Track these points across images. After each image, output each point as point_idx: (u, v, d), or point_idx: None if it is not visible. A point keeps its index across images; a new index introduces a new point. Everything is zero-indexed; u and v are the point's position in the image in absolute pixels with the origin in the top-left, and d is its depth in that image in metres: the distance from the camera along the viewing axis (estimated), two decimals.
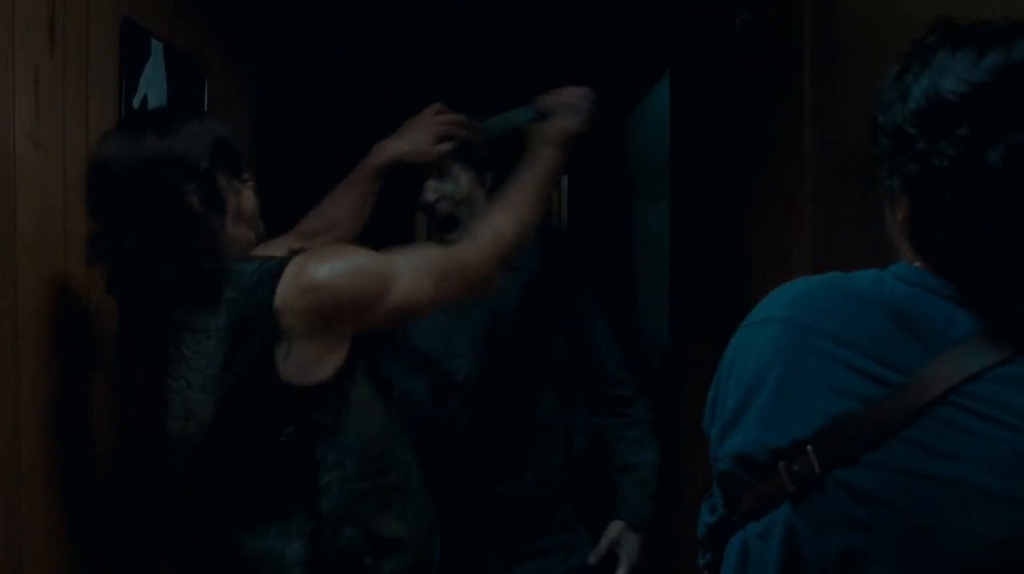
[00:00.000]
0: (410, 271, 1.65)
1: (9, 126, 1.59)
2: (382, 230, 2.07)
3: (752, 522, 0.99)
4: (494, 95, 2.26)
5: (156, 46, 2.18)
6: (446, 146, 2.12)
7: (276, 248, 1.72)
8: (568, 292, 2.39)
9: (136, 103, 2.07)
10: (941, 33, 0.92)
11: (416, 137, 2.10)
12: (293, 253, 1.59)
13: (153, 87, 2.16)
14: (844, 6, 1.97)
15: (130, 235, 1.52)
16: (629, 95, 4.45)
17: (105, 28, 1.95)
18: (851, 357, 0.91)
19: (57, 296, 1.75)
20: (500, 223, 1.83)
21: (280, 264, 1.55)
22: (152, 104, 2.15)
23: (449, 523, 1.93)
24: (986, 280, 0.89)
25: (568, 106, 2.00)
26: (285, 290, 1.51)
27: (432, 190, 2.20)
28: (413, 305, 1.68)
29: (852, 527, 0.89)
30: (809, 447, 0.90)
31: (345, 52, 4.31)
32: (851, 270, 1.02)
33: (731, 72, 2.55)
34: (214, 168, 1.59)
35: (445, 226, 2.22)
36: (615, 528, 2.39)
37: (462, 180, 2.21)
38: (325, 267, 1.55)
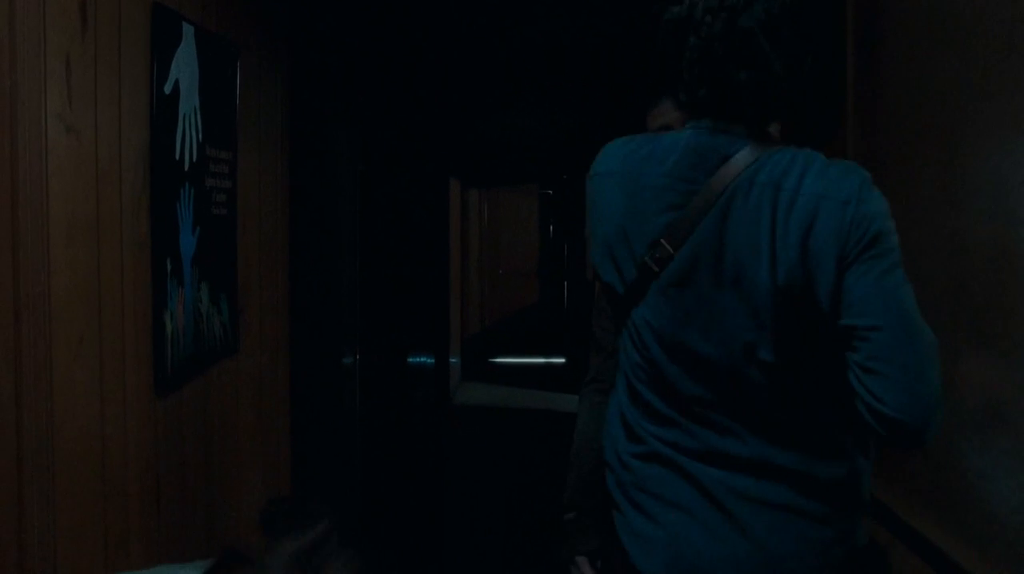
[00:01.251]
0: None
1: (40, 107, 1.57)
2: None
3: (634, 310, 1.53)
4: (540, 83, 2.24)
5: (187, 29, 2.15)
6: None
7: None
8: None
9: (168, 90, 2.05)
10: None
11: None
12: None
13: (184, 72, 2.14)
14: None
15: None
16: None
17: (137, 11, 1.93)
18: (668, 185, 1.47)
19: (89, 282, 1.74)
20: None
21: None
22: (184, 89, 2.13)
23: None
24: (726, 111, 1.47)
25: None
26: None
27: None
28: None
29: (690, 273, 1.45)
30: (662, 239, 1.46)
31: (380, 31, 4.28)
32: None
33: None
34: None
35: None
36: None
37: None
38: None
